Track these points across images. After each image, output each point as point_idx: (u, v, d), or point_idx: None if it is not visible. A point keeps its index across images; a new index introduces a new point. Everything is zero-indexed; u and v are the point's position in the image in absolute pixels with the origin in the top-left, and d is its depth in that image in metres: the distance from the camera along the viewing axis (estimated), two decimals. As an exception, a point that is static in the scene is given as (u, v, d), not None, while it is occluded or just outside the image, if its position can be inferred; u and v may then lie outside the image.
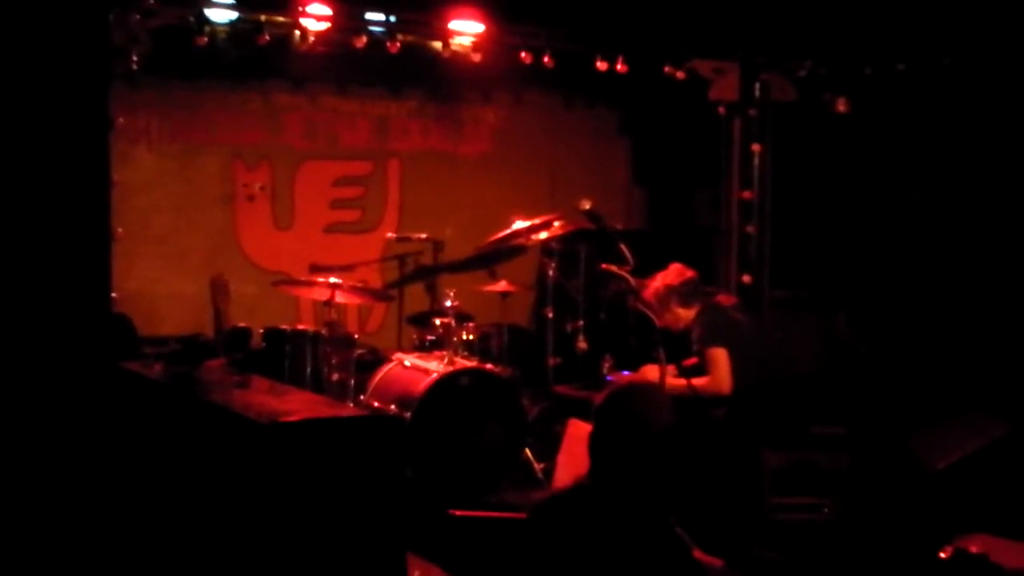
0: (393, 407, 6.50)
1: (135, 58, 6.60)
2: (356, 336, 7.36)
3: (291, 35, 7.33)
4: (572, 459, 5.56)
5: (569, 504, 3.53)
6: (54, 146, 4.02)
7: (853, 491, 6.30)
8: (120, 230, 6.40)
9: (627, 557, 3.35)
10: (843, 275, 8.21)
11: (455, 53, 7.66)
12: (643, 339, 7.08)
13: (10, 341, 3.90)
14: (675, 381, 6.03)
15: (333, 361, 6.82)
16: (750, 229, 8.39)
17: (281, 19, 7.21)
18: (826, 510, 6.24)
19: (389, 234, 8.45)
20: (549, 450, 6.57)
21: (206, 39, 7.04)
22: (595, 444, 3.53)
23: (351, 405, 6.46)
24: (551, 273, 7.81)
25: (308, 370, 6.76)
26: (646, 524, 3.41)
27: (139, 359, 4.96)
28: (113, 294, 4.87)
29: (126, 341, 6.59)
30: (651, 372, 6.12)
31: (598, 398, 3.59)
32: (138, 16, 6.56)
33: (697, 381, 6.04)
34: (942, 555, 4.17)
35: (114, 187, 5.69)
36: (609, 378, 6.40)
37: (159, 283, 7.82)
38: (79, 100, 4.09)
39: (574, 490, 3.59)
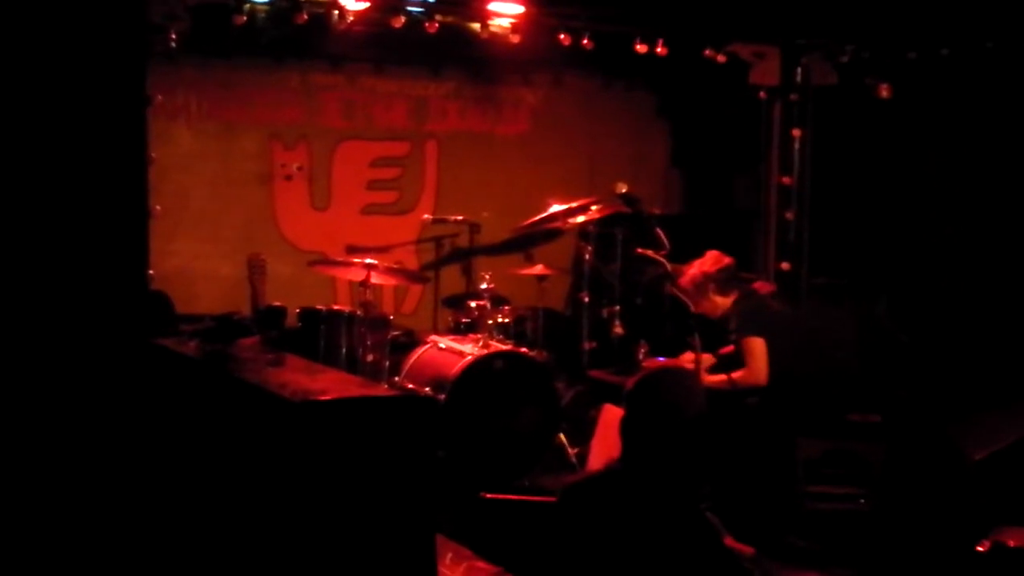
0: (427, 389, 6.50)
1: (174, 36, 6.61)
2: (391, 317, 7.37)
3: (329, 14, 7.31)
4: (606, 444, 5.55)
5: (599, 488, 3.52)
6: (93, 123, 4.02)
7: (889, 481, 6.24)
8: (158, 208, 6.41)
9: (656, 542, 3.33)
10: (883, 262, 8.12)
11: (494, 34, 7.63)
12: (679, 325, 7.04)
13: (49, 317, 3.91)
14: (713, 377, 5.99)
15: (368, 342, 6.83)
16: (789, 215, 8.32)
17: (320, -2, 7.21)
18: (862, 500, 6.18)
19: (425, 216, 8.42)
20: (583, 435, 6.57)
21: (245, 18, 7.07)
22: (626, 429, 3.51)
23: (385, 386, 6.46)
24: (587, 257, 7.77)
25: (343, 350, 6.78)
26: (676, 509, 3.38)
27: (176, 336, 4.97)
28: (151, 271, 4.89)
29: (163, 318, 6.62)
30: (688, 360, 6.09)
31: (629, 382, 3.57)
32: (177, -6, 6.59)
33: (735, 374, 6.00)
34: (980, 548, 4.12)
35: (152, 165, 5.69)
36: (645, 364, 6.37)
37: (196, 261, 7.84)
38: (118, 77, 4.08)
39: (605, 474, 3.57)
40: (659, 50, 7.71)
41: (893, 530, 6.00)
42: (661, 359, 6.37)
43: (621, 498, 3.41)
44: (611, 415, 5.54)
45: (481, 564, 4.98)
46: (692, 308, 6.30)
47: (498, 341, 6.82)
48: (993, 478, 5.83)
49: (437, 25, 7.38)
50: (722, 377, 5.97)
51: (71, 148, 3.94)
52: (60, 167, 3.92)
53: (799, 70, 8.19)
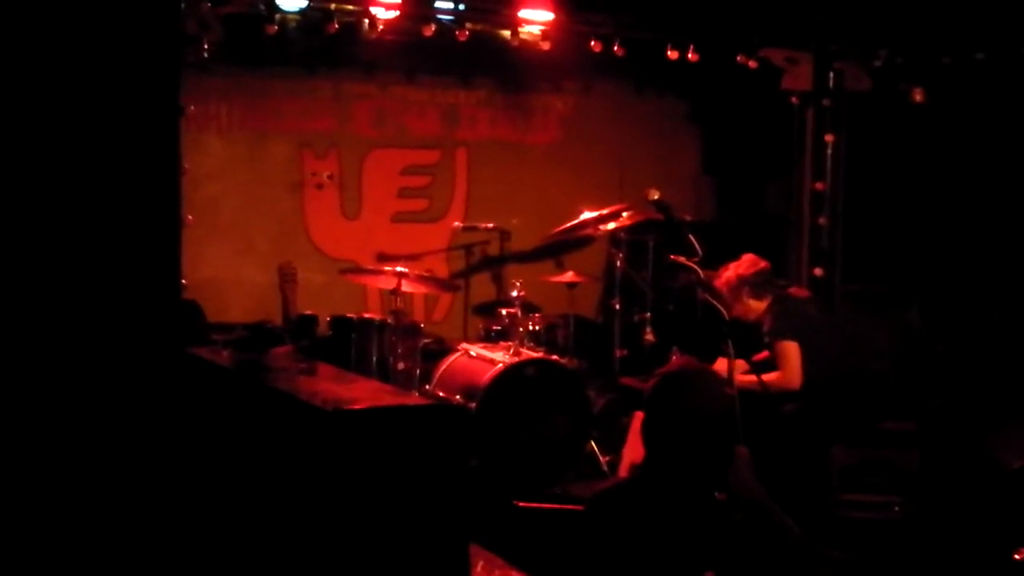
0: (458, 397, 6.50)
1: (206, 46, 6.64)
2: (422, 325, 7.37)
3: (360, 23, 7.33)
4: (637, 451, 5.52)
5: (625, 495, 3.50)
6: (126, 133, 4.05)
7: (924, 490, 6.18)
8: (190, 217, 6.46)
9: (682, 545, 3.30)
10: (917, 269, 8.06)
11: (524, 42, 7.62)
12: (712, 331, 7.01)
13: (82, 327, 3.94)
14: (745, 378, 5.96)
15: (399, 350, 6.83)
16: (822, 221, 8.27)
17: (350, 7, 7.22)
18: (896, 509, 6.13)
19: (456, 223, 8.43)
20: (614, 442, 6.55)
21: (276, 27, 7.10)
22: (647, 433, 3.48)
23: (416, 394, 6.46)
24: (619, 264, 7.75)
25: (374, 359, 6.79)
26: (700, 511, 3.35)
27: (208, 345, 4.99)
28: (183, 281, 4.93)
29: (196, 327, 6.65)
30: (722, 366, 6.05)
31: (647, 385, 3.54)
32: (209, 4, 6.61)
33: (768, 376, 5.96)
34: (1017, 556, 4.08)
35: (184, 174, 5.73)
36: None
37: (228, 270, 7.87)
38: (151, 88, 4.10)
39: (631, 481, 3.55)
40: (690, 56, 7.68)
41: (928, 539, 5.94)
42: (682, 358, 6.34)
43: (646, 503, 3.39)
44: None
45: (514, 573, 4.96)
46: (726, 313, 6.26)
47: (529, 349, 6.80)
48: (1030, 486, 5.77)
49: (468, 33, 7.38)
50: (753, 379, 5.93)
51: (105, 158, 3.96)
52: (94, 177, 3.94)
53: (832, 75, 8.14)
